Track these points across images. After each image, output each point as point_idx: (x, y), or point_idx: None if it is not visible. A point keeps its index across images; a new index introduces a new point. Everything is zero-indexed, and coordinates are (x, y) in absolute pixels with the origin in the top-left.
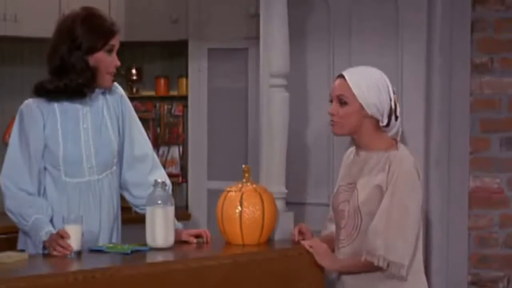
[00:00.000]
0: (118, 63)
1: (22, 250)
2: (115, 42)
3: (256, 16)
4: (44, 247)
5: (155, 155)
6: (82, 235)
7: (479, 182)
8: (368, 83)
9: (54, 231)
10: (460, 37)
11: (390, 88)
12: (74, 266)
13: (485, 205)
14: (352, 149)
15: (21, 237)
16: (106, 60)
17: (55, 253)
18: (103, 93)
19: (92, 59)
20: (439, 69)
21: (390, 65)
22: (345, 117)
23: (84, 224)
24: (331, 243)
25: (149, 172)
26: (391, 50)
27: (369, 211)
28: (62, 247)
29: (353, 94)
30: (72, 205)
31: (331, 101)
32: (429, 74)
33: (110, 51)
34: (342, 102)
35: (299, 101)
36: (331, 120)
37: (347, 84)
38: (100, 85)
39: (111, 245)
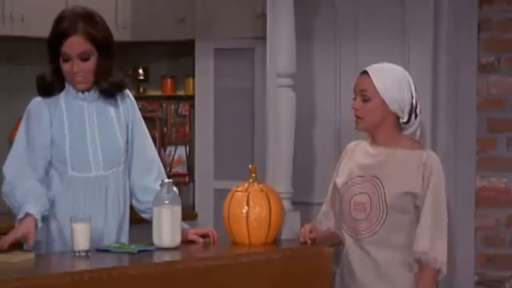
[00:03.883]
0: (75, 70)
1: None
2: (68, 49)
3: (263, 16)
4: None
5: (161, 164)
6: (90, 239)
7: (486, 182)
8: (390, 79)
9: (34, 215)
10: (467, 36)
11: (412, 86)
12: (80, 266)
13: (492, 205)
14: (358, 142)
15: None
16: (64, 68)
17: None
18: (111, 95)
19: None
20: (446, 68)
21: (397, 64)
22: (368, 112)
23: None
24: (331, 238)
25: (155, 179)
26: (398, 50)
27: (397, 207)
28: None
29: (375, 90)
30: (77, 200)
31: (354, 98)
32: (435, 73)
33: (66, 60)
34: (365, 98)
35: (305, 100)
36: (355, 116)
37: (370, 80)
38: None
39: (117, 245)
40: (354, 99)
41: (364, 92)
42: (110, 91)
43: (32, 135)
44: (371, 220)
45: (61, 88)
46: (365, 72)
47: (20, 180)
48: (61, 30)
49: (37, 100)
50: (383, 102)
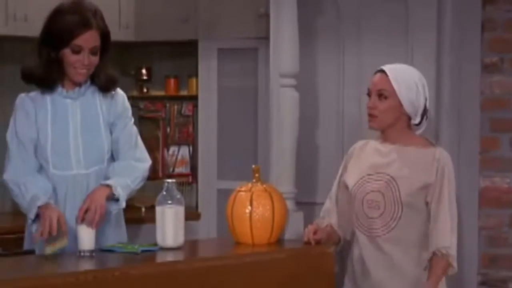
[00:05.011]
0: (86, 63)
1: (33, 251)
2: (82, 42)
3: (266, 16)
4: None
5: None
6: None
7: (489, 182)
8: (408, 81)
9: (53, 205)
10: (470, 36)
11: (426, 89)
12: (84, 266)
13: (495, 205)
14: (367, 141)
15: (27, 236)
16: (71, 59)
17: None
18: (107, 90)
19: (60, 54)
20: (449, 68)
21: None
22: (384, 111)
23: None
24: (333, 235)
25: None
26: (401, 50)
27: (411, 204)
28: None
29: (393, 89)
30: (58, 198)
31: (369, 94)
32: (439, 73)
33: (76, 52)
34: (382, 97)
35: (309, 100)
36: (369, 114)
37: (389, 79)
38: (71, 79)
39: (121, 245)
40: (369, 97)
41: (382, 90)
42: (106, 86)
43: (20, 131)
44: (386, 217)
45: (61, 78)
46: (382, 71)
47: (21, 180)
48: (75, 23)
49: (22, 96)
50: (399, 103)
